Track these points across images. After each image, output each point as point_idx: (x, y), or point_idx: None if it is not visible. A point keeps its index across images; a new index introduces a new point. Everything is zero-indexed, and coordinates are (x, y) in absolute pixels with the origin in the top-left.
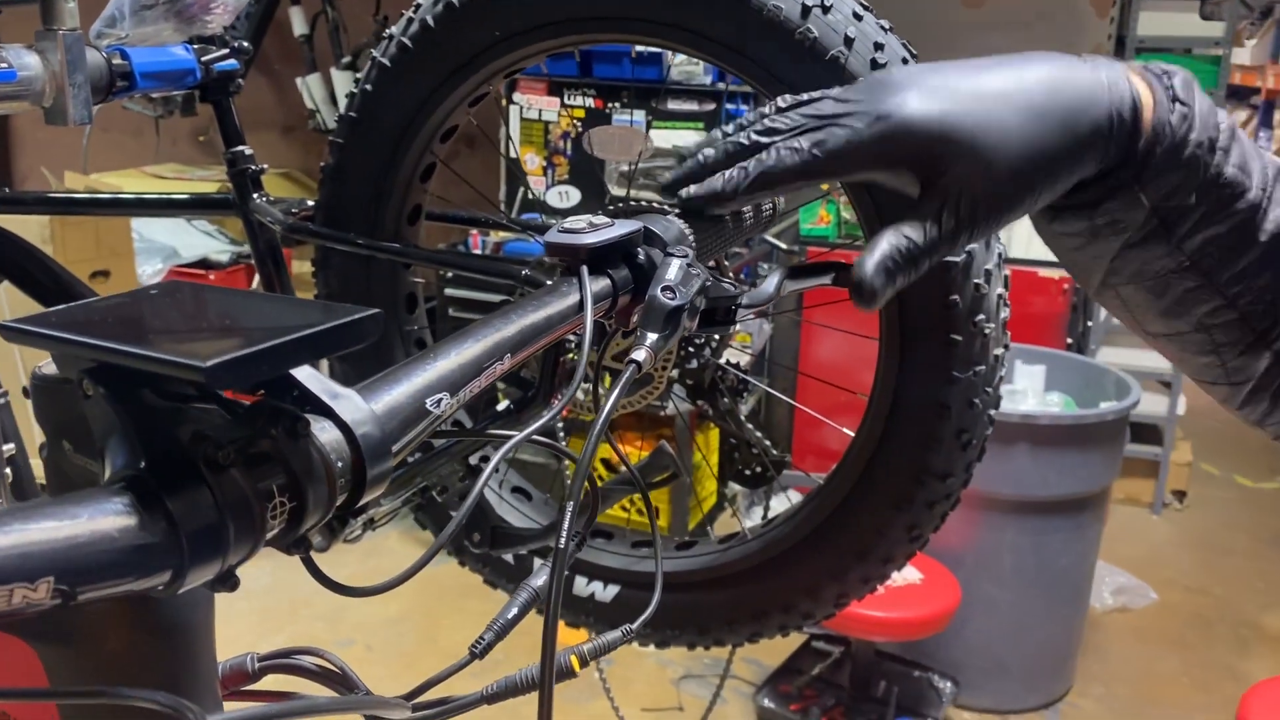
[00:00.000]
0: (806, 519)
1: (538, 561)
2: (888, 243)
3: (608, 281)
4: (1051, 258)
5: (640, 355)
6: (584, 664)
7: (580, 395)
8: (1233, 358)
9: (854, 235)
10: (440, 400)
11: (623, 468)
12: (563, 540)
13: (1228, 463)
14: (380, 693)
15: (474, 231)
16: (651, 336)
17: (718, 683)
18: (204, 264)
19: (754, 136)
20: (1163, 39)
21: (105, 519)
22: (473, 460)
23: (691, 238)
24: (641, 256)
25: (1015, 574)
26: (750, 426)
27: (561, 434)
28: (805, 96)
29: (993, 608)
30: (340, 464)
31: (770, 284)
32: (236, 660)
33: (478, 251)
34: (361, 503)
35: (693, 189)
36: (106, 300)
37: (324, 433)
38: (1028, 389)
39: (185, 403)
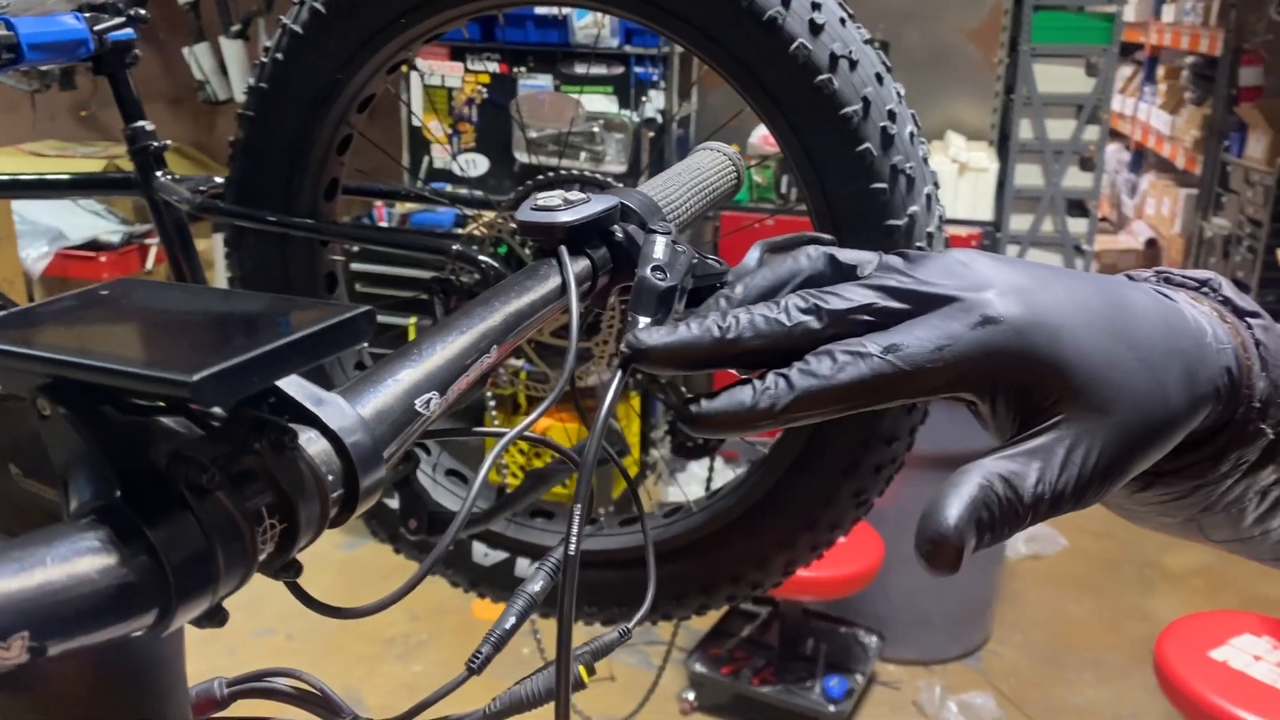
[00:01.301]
0: (753, 489)
1: (523, 562)
2: (981, 480)
3: (587, 262)
4: (966, 215)
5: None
6: (592, 672)
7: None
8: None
9: (766, 198)
10: (430, 400)
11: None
12: (572, 547)
13: None
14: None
15: (378, 203)
16: (644, 321)
17: (648, 651)
18: (94, 245)
19: (796, 315)
20: None
21: (81, 559)
22: (432, 442)
23: (666, 211)
24: (620, 234)
25: None
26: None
27: (492, 406)
28: (858, 259)
29: (915, 562)
30: (331, 477)
31: (751, 259)
32: (203, 687)
33: (383, 223)
34: (354, 516)
35: (715, 405)
36: (53, 304)
37: (312, 444)
38: None
39: (148, 417)
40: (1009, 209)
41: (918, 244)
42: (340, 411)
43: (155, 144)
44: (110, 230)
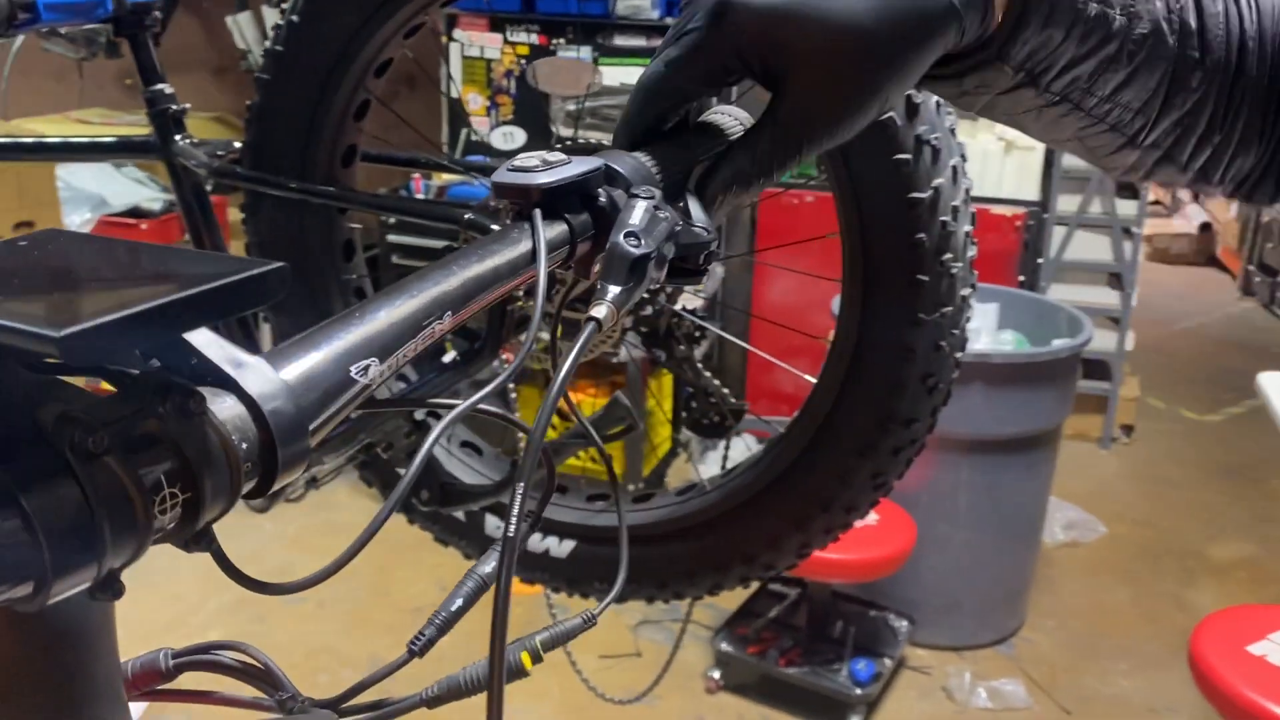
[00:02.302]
0: (768, 468)
1: (535, 535)
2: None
3: (564, 227)
4: (1011, 194)
5: (601, 312)
6: (537, 660)
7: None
8: (1104, 156)
9: (805, 173)
10: (368, 367)
11: (575, 419)
12: (512, 527)
13: (1174, 396)
14: (337, 651)
15: (416, 175)
16: (613, 290)
17: (674, 628)
18: (135, 213)
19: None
20: None
21: None
22: (419, 415)
23: (659, 177)
24: (603, 198)
25: (969, 512)
26: (708, 375)
27: (511, 386)
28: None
29: (947, 546)
30: (245, 445)
31: None
32: (148, 657)
33: (420, 195)
34: (275, 488)
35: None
36: None
37: (224, 409)
38: (980, 327)
39: (61, 375)
40: (1056, 189)
41: (942, 218)
42: (261, 376)
43: (174, 107)
44: (151, 198)
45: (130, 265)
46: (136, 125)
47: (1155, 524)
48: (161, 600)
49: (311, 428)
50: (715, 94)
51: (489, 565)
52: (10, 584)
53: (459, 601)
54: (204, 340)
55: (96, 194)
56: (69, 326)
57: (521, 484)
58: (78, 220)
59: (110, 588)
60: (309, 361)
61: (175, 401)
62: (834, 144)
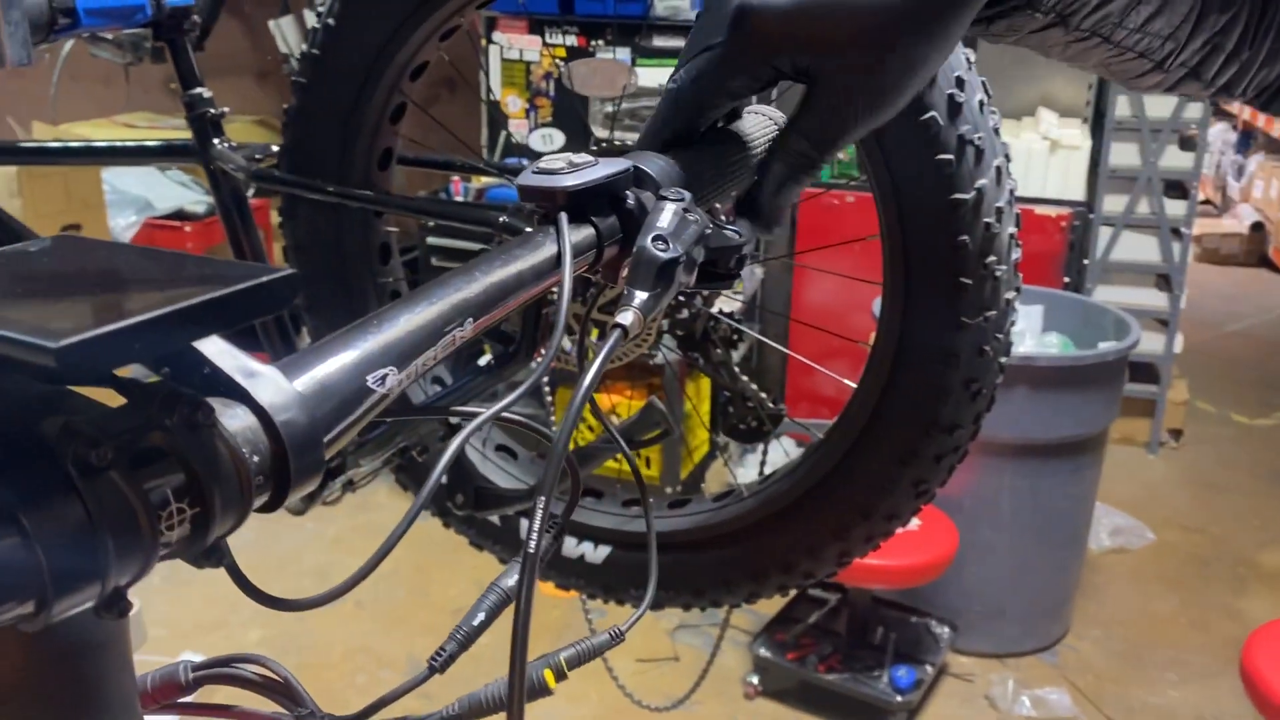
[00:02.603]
0: (806, 475)
1: (570, 540)
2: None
3: (591, 230)
4: (1056, 195)
5: (627, 319)
6: (561, 677)
7: (567, 344)
8: (1130, 79)
9: (848, 174)
10: (385, 376)
11: (611, 421)
12: (532, 544)
13: (1224, 400)
14: (374, 651)
15: (455, 177)
16: (640, 295)
17: (713, 633)
18: (179, 215)
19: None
20: None
21: None
22: (454, 419)
23: (689, 179)
24: (631, 201)
25: (1013, 517)
26: (745, 379)
27: (547, 388)
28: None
29: (990, 552)
30: (256, 458)
31: None
32: (168, 670)
33: (459, 198)
34: (288, 501)
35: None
36: None
37: (234, 420)
38: (1025, 330)
39: (58, 386)
40: (1103, 189)
41: (986, 219)
42: (274, 386)
43: (213, 111)
44: (195, 200)
45: (138, 273)
46: (180, 129)
47: (1205, 530)
48: (203, 600)
49: (326, 439)
50: (747, 101)
51: (511, 579)
52: (11, 603)
53: (481, 616)
54: (215, 349)
55: (141, 197)
56: (66, 338)
57: (542, 499)
58: (123, 223)
59: (116, 605)
60: (324, 371)
61: (183, 413)
62: (880, 123)
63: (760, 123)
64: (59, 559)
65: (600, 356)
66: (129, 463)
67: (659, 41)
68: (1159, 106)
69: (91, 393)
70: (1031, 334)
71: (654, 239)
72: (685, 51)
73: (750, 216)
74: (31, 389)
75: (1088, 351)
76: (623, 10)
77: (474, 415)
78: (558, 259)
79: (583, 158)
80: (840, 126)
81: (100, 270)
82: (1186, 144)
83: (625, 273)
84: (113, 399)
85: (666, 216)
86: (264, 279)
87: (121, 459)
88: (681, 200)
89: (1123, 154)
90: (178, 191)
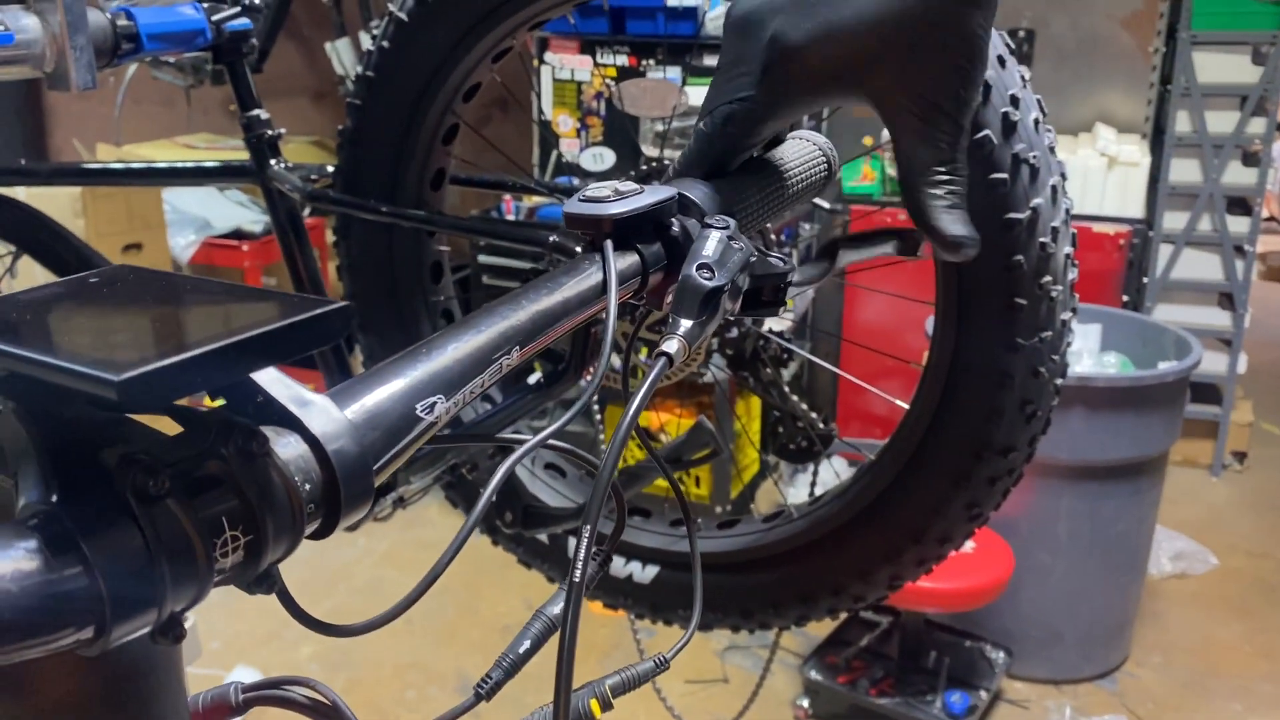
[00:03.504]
0: (857, 497)
1: (618, 560)
2: (931, 189)
3: (636, 258)
4: (1115, 212)
5: (672, 347)
6: (607, 707)
7: (616, 361)
8: None
9: (899, 193)
10: (434, 405)
11: (660, 440)
12: (578, 573)
13: None
14: (424, 667)
15: (507, 197)
16: (685, 324)
17: (762, 655)
18: (237, 234)
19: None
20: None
21: (6, 564)
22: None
23: (734, 207)
24: (676, 228)
25: (1071, 541)
26: (795, 399)
27: (596, 407)
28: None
29: (1047, 576)
30: (308, 486)
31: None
32: (219, 691)
33: (510, 217)
34: (340, 528)
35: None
36: (36, 291)
37: (287, 449)
38: (1083, 349)
39: (116, 414)
40: (1162, 206)
41: (1041, 239)
42: (325, 415)
43: (270, 132)
44: (253, 220)
45: (195, 304)
46: (239, 150)
47: (1271, 555)
48: (257, 614)
49: (375, 467)
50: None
51: (557, 606)
52: (70, 629)
53: (526, 644)
54: (269, 378)
55: (201, 216)
56: (128, 371)
57: (588, 527)
58: (182, 242)
59: (172, 631)
60: (374, 400)
61: (238, 442)
62: (979, 91)
63: (803, 149)
64: (118, 586)
65: (644, 387)
66: (185, 491)
67: (710, 60)
68: (1221, 122)
69: (147, 419)
70: (1089, 353)
71: (699, 267)
72: (713, 93)
73: (940, 244)
74: (92, 417)
75: (1147, 371)
76: (674, 30)
77: (521, 442)
78: (603, 286)
79: (628, 185)
80: (944, 120)
81: (158, 301)
82: (1250, 159)
83: (670, 300)
84: (169, 426)
85: (711, 244)
86: (320, 310)
87: (178, 487)
88: (726, 228)
89: (1183, 170)
90: (236, 211)
